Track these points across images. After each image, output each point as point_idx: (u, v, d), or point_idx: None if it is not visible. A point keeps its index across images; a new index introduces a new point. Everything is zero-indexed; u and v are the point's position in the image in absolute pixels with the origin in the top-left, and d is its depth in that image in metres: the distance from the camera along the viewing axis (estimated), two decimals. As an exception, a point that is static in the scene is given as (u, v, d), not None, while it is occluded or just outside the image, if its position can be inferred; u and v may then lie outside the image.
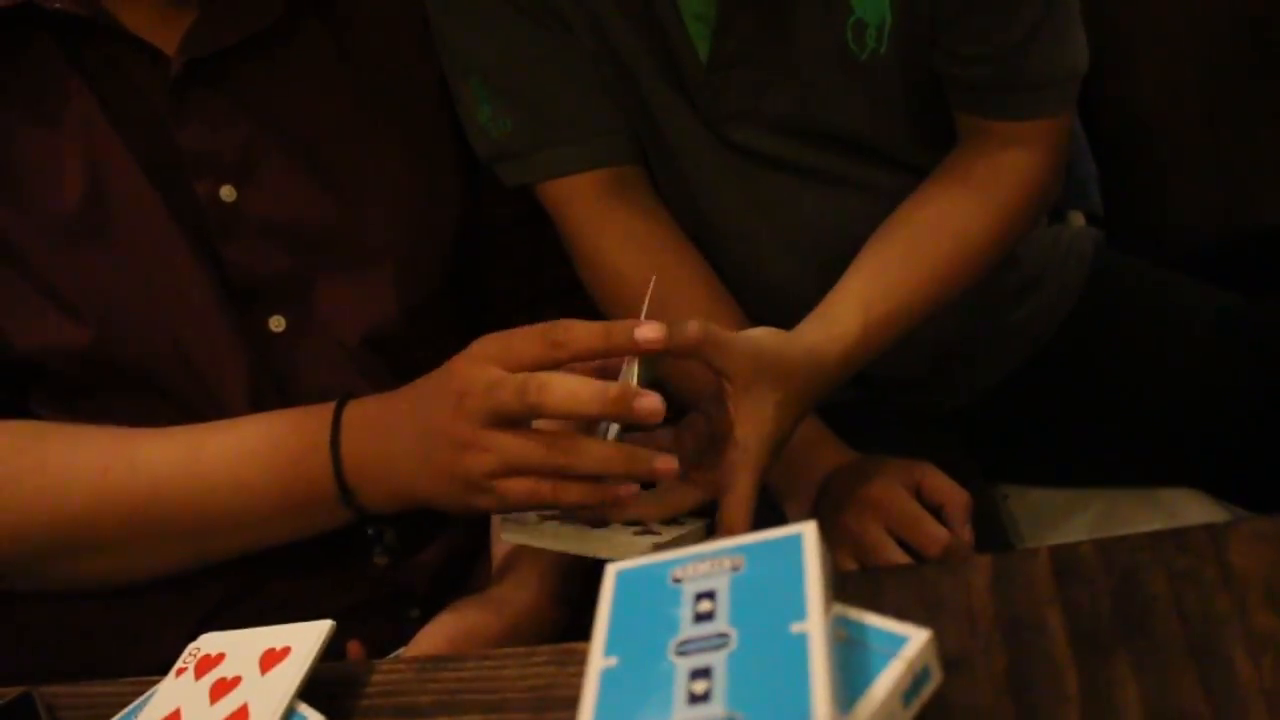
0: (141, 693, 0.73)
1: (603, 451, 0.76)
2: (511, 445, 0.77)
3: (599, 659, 0.52)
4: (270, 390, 0.96)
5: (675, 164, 1.06)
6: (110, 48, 0.92)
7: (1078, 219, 1.38)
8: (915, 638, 0.53)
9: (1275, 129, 1.55)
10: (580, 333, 0.76)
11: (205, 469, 0.87)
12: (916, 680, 0.53)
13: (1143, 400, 1.15)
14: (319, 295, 0.98)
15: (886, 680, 0.51)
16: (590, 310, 1.07)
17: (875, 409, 1.12)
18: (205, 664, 0.72)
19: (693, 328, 0.77)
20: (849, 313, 0.92)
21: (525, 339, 0.77)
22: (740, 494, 0.79)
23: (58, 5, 0.89)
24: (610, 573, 0.57)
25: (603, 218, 1.04)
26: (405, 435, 0.82)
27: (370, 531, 0.94)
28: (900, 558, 0.90)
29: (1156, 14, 2.05)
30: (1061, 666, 0.56)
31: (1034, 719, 0.54)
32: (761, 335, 0.84)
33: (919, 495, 0.95)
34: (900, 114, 1.04)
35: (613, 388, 0.74)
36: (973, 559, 0.63)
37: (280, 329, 0.96)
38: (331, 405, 0.87)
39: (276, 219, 0.96)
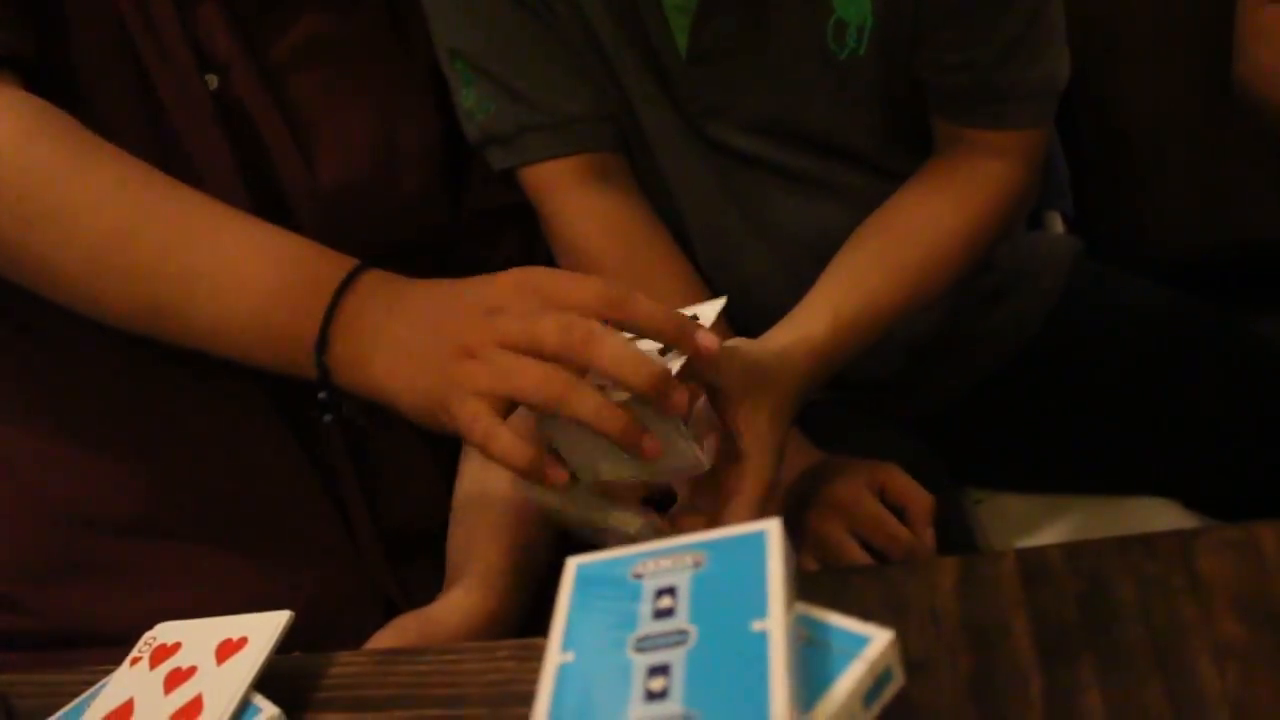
0: (96, 681, 0.72)
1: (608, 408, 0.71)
2: (520, 369, 0.72)
3: (556, 654, 0.51)
4: None
5: (653, 155, 1.06)
6: None
7: (1055, 222, 1.39)
8: (878, 638, 0.52)
9: (1254, 144, 1.56)
10: (643, 306, 0.73)
11: (221, 235, 0.86)
12: (878, 681, 0.52)
13: (1117, 410, 1.16)
14: (272, 206, 0.99)
15: (847, 681, 0.50)
16: None
17: (845, 410, 1.12)
18: (160, 653, 0.72)
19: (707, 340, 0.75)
20: (817, 314, 0.91)
21: (581, 284, 0.74)
22: (744, 501, 0.77)
23: None
24: (570, 567, 0.57)
25: (581, 204, 1.05)
26: (410, 320, 0.79)
27: (321, 395, 0.89)
28: (862, 558, 0.90)
29: (1142, 26, 2.07)
30: (1025, 671, 0.55)
31: (996, 723, 0.53)
32: (743, 345, 0.83)
33: (883, 497, 0.96)
34: (876, 116, 1.04)
35: (660, 368, 0.70)
36: (940, 561, 0.62)
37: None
38: (352, 262, 0.85)
39: (245, 117, 0.98)
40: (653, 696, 0.47)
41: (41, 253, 0.87)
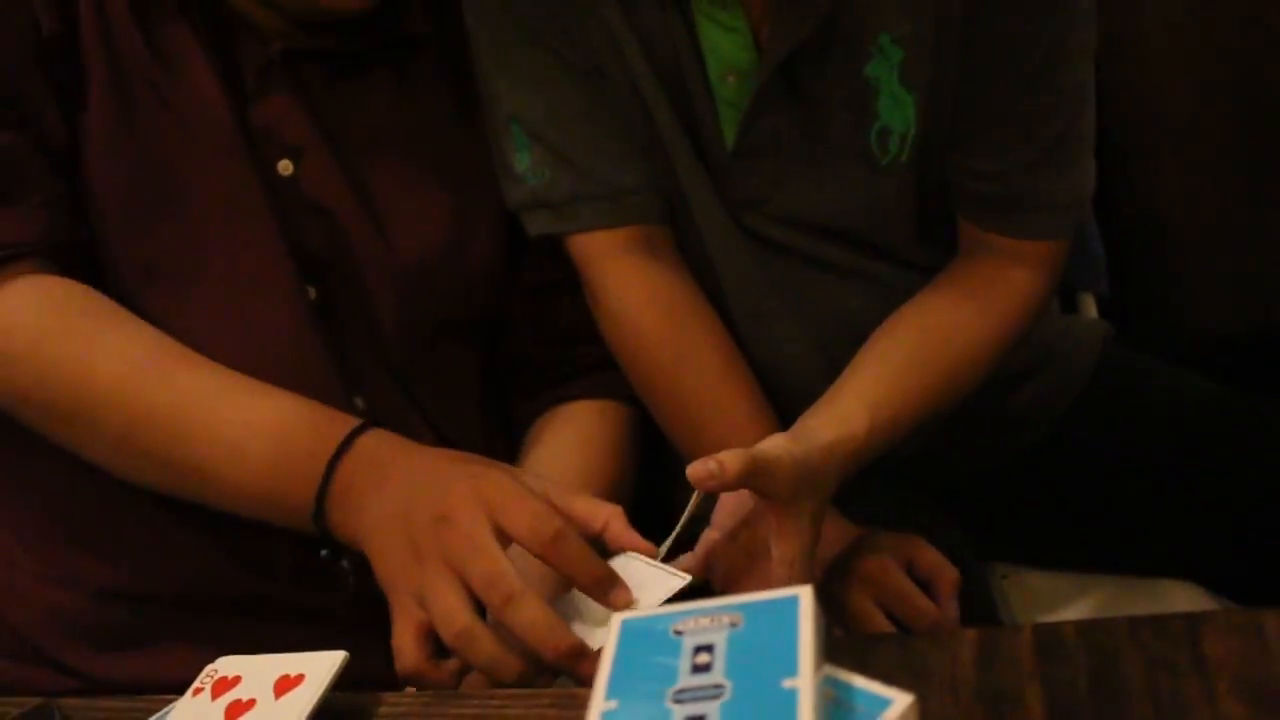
0: (156, 710, 0.76)
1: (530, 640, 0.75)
2: (449, 600, 0.77)
3: (600, 701, 0.55)
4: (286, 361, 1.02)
5: (698, 234, 1.09)
6: (228, 21, 1.03)
7: (1089, 304, 1.43)
8: (899, 701, 0.56)
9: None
10: (571, 551, 0.78)
11: (220, 421, 0.93)
12: (898, 742, 0.56)
13: (1142, 493, 1.17)
14: (346, 282, 1.05)
15: (869, 739, 0.54)
16: (616, 386, 1.11)
17: (873, 482, 1.15)
18: (221, 685, 0.75)
19: (734, 466, 0.78)
20: (857, 414, 0.94)
21: (521, 514, 0.78)
22: None
23: None
24: (615, 622, 0.61)
25: (628, 275, 1.08)
26: (385, 506, 0.85)
27: (324, 552, 0.99)
28: (887, 629, 0.93)
29: (1180, 113, 2.09)
30: (1037, 740, 0.59)
31: (1008, 788, 0.57)
32: (787, 447, 0.85)
33: (910, 570, 0.98)
34: (909, 216, 1.08)
35: (570, 643, 0.74)
36: (960, 632, 0.66)
37: (312, 298, 1.03)
38: (349, 425, 0.91)
39: (320, 203, 1.03)
40: (689, 744, 0.51)
41: (71, 441, 0.97)
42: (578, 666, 0.74)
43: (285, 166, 1.03)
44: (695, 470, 0.78)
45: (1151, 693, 0.60)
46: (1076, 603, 1.19)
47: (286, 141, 1.03)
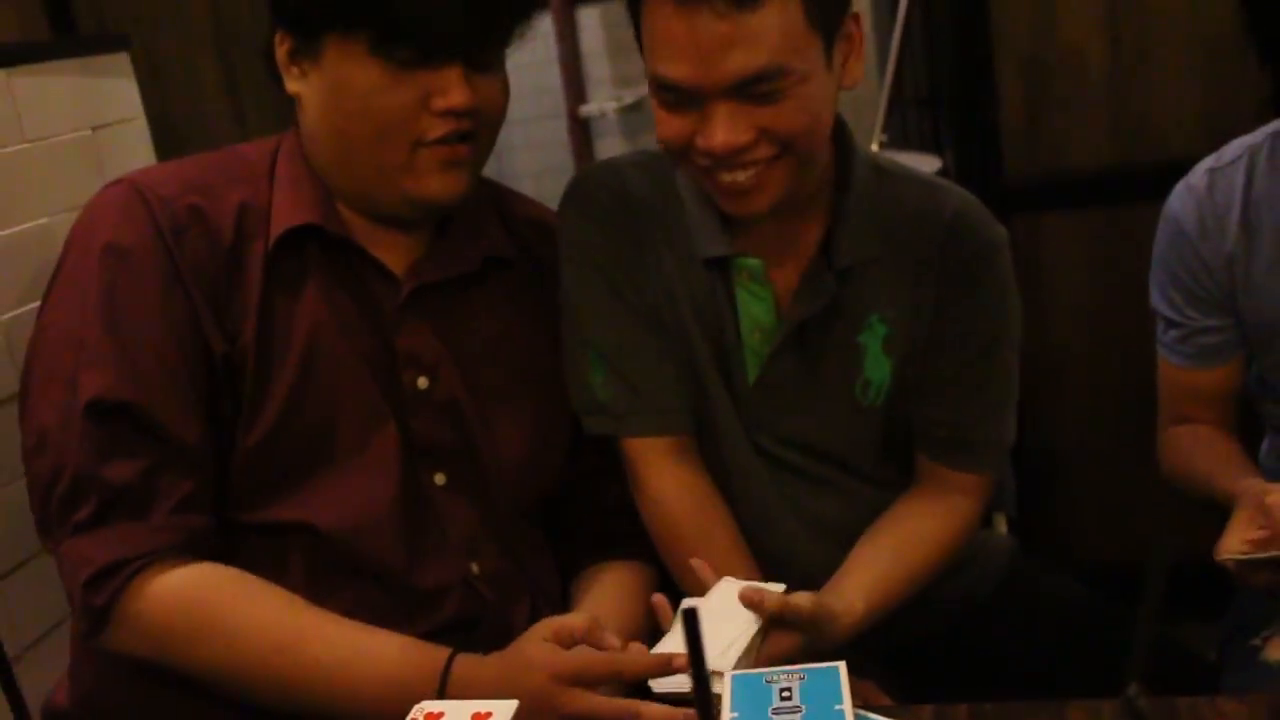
0: None
1: None
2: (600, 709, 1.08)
3: (727, 713, 0.94)
4: (422, 535, 1.26)
5: (719, 446, 1.39)
6: (358, 267, 1.26)
7: (1000, 523, 1.73)
8: (896, 727, 0.96)
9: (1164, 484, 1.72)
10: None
11: (347, 692, 1.14)
12: (894, 749, 0.95)
13: (1029, 672, 1.39)
14: (467, 468, 1.29)
15: (880, 743, 0.94)
16: (643, 552, 1.37)
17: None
18: (430, 716, 1.01)
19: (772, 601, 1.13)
20: (857, 597, 1.26)
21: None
22: None
23: (342, 234, 1.24)
24: (728, 676, 0.99)
25: (665, 471, 1.36)
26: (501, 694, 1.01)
27: None
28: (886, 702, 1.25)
29: (1074, 380, 2.46)
30: (972, 762, 0.98)
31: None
32: (810, 602, 1.16)
33: (865, 704, 1.25)
34: (878, 446, 1.41)
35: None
36: (919, 707, 1.05)
37: (442, 483, 1.28)
38: (443, 660, 1.13)
39: (450, 405, 1.28)
40: (784, 734, 0.91)
41: (209, 658, 1.16)
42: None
43: (423, 382, 1.27)
44: (746, 594, 1.12)
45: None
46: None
47: (425, 362, 1.27)
